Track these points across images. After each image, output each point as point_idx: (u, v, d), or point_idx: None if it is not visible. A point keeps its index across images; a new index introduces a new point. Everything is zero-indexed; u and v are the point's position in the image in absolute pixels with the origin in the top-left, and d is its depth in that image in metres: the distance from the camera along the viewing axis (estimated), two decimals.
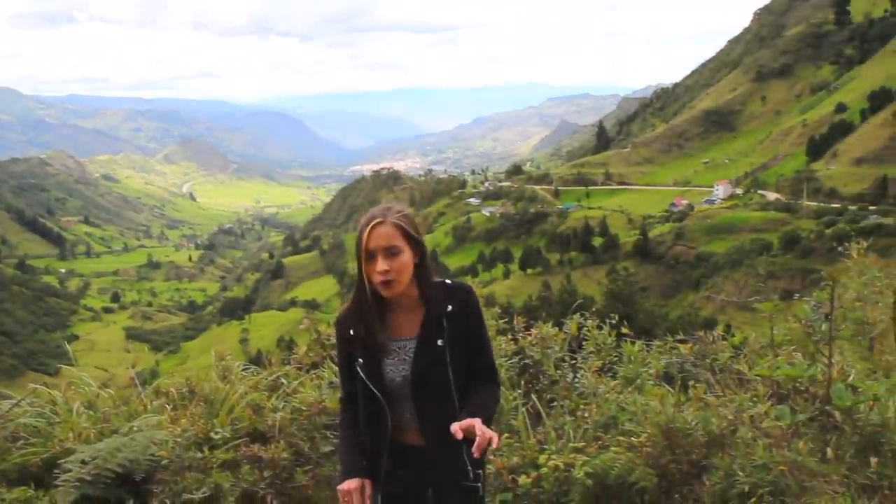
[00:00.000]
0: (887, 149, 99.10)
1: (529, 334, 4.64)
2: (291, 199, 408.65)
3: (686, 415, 3.49)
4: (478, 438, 2.14)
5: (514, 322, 4.76)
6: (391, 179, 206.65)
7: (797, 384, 3.65)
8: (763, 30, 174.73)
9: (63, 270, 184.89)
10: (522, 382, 4.39)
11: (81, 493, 3.31)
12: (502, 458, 3.67)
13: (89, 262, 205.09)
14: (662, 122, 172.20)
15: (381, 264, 2.30)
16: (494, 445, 2.18)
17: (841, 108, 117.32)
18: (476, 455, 2.16)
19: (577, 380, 4.36)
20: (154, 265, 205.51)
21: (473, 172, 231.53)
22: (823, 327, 3.76)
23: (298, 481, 3.79)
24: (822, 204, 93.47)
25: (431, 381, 2.37)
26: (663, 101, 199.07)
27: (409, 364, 2.38)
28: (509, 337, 4.66)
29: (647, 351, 4.55)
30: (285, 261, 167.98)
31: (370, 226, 2.31)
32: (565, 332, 4.63)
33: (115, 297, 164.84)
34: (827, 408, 3.37)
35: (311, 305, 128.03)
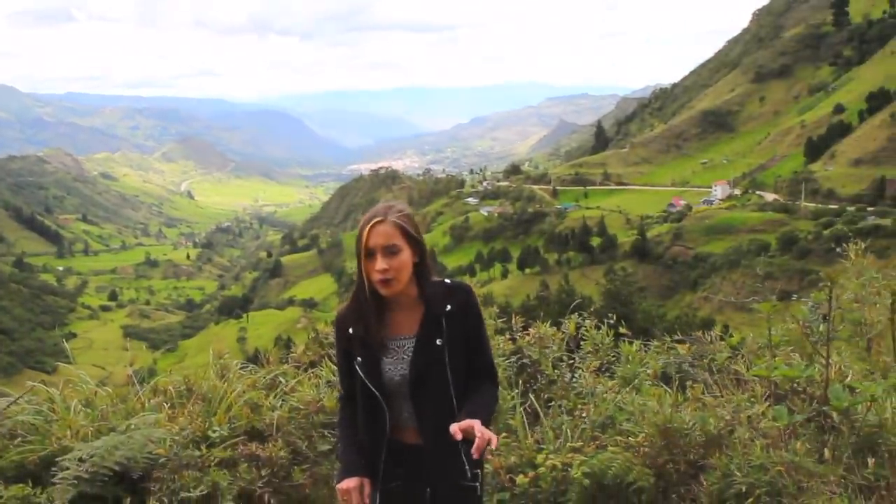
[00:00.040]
0: (885, 150, 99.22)
1: (527, 334, 4.64)
2: (290, 198, 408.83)
3: (684, 415, 3.49)
4: (477, 440, 2.15)
5: (512, 322, 4.76)
6: (389, 179, 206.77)
7: (795, 385, 3.66)
8: (762, 30, 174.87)
9: (61, 268, 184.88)
10: (520, 382, 4.39)
11: (79, 491, 3.30)
12: (500, 458, 3.67)
13: (87, 260, 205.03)
14: (661, 122, 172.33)
15: (381, 263, 2.31)
16: (493, 446, 2.19)
17: (839, 109, 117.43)
18: (475, 456, 2.17)
19: (574, 379, 4.36)
20: (152, 263, 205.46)
21: (472, 172, 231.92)
22: (821, 328, 3.76)
23: (296, 480, 3.79)
24: (820, 205, 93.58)
25: (430, 380, 2.37)
26: (662, 101, 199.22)
27: (407, 363, 2.39)
28: (507, 336, 4.67)
29: (645, 351, 4.55)
30: (283, 259, 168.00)
31: (370, 224, 2.32)
32: (563, 332, 4.63)
33: (113, 296, 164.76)
34: (824, 408, 3.37)
35: (309, 304, 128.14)
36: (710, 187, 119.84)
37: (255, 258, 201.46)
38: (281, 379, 4.58)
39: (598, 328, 4.60)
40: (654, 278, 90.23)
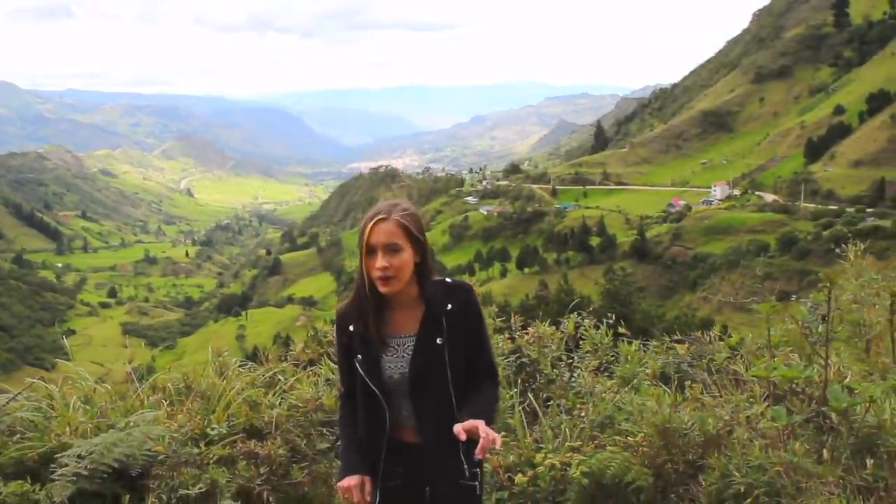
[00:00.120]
0: (885, 151, 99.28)
1: (526, 333, 4.65)
2: (289, 196, 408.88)
3: (682, 415, 3.49)
4: (481, 440, 2.16)
5: (511, 321, 4.76)
6: (389, 177, 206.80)
7: (793, 385, 3.66)
8: (762, 31, 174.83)
9: (60, 265, 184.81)
10: (519, 381, 4.39)
11: (78, 488, 3.30)
12: (499, 457, 3.67)
13: (86, 256, 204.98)
14: (661, 122, 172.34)
15: (381, 260, 2.31)
16: (497, 447, 2.19)
17: (839, 110, 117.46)
18: (480, 456, 2.17)
19: (573, 379, 4.37)
20: (151, 261, 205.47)
21: (471, 171, 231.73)
22: (820, 329, 3.76)
23: (295, 478, 3.79)
24: (820, 206, 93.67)
25: (430, 379, 2.37)
26: (662, 101, 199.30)
27: (407, 361, 2.39)
28: (506, 336, 4.67)
29: (644, 351, 4.55)
30: (282, 257, 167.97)
31: (373, 221, 2.32)
32: (562, 332, 4.64)
33: (112, 293, 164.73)
34: (823, 409, 3.37)
35: (308, 302, 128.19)
36: (710, 188, 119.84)
37: (254, 256, 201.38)
38: (280, 377, 4.58)
39: (597, 328, 4.61)
40: (653, 278, 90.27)
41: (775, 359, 3.70)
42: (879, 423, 3.25)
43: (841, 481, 3.07)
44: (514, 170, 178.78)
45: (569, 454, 3.58)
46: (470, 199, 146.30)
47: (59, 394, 4.25)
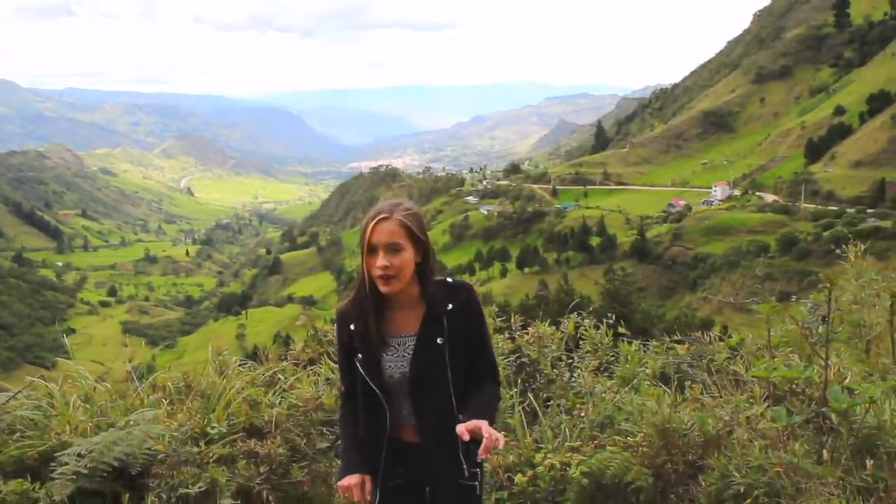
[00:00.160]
0: (885, 152, 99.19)
1: (526, 333, 4.65)
2: (289, 195, 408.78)
3: (682, 415, 3.49)
4: (485, 440, 2.16)
5: (511, 321, 4.76)
6: (389, 177, 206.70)
7: (793, 386, 3.66)
8: (763, 31, 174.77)
9: (60, 264, 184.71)
10: (519, 381, 4.39)
11: (77, 487, 3.30)
12: (498, 457, 3.68)
13: (86, 255, 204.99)
14: (661, 122, 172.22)
15: (382, 260, 2.31)
16: (500, 447, 2.19)
17: (840, 110, 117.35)
18: (483, 456, 2.17)
19: (573, 379, 4.37)
20: (151, 260, 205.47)
21: (471, 171, 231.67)
22: (820, 329, 3.76)
23: (294, 477, 3.79)
24: (820, 206, 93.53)
25: (430, 378, 2.37)
26: (662, 101, 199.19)
27: (408, 361, 2.39)
28: (506, 335, 4.67)
29: (644, 351, 4.55)
30: (282, 257, 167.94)
31: (375, 220, 2.32)
32: (562, 332, 4.64)
33: (112, 291, 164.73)
34: (823, 410, 3.37)
35: (308, 302, 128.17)
36: (710, 188, 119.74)
37: (254, 255, 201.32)
38: (280, 376, 4.58)
39: (597, 328, 4.61)
40: (653, 278, 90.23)
41: (775, 359, 3.70)
42: (879, 423, 3.25)
43: (841, 482, 3.08)
44: (514, 170, 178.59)
45: (568, 454, 3.58)
46: (470, 198, 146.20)
47: (59, 392, 4.25)
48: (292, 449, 3.90)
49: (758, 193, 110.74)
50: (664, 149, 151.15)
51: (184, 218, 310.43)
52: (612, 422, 3.86)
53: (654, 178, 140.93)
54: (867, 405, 3.23)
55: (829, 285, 3.46)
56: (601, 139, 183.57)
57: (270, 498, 3.67)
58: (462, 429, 2.20)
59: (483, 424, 2.19)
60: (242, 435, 3.88)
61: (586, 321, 4.62)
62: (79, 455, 3.35)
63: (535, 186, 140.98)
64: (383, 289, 2.34)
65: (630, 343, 4.53)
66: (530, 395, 4.31)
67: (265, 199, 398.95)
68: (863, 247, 4.21)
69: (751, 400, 3.55)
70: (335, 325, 2.54)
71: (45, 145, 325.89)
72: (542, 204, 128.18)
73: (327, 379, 4.32)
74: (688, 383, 3.95)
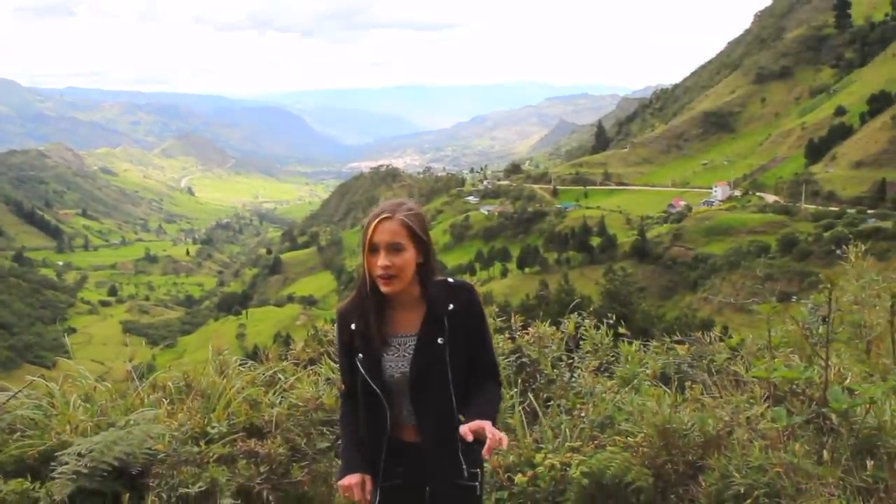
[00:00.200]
0: (886, 152, 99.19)
1: (527, 333, 4.65)
2: (289, 195, 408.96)
3: (682, 415, 3.49)
4: (488, 441, 2.16)
5: (512, 321, 4.76)
6: (390, 176, 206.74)
7: (794, 386, 3.66)
8: (763, 32, 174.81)
9: (60, 263, 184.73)
10: (519, 381, 4.39)
11: (78, 486, 3.30)
12: (499, 457, 3.67)
13: (87, 255, 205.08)
14: (661, 122, 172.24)
15: (383, 259, 2.31)
16: (504, 447, 2.20)
17: (840, 111, 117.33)
18: (486, 457, 2.18)
19: (573, 379, 4.37)
20: (151, 259, 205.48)
21: (472, 171, 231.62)
22: (820, 330, 3.77)
23: (294, 477, 3.79)
24: (821, 207, 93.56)
25: (430, 378, 2.37)
26: (663, 101, 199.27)
27: (408, 361, 2.39)
28: (507, 336, 4.67)
29: (644, 351, 4.55)
30: (283, 256, 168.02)
31: (377, 219, 2.32)
32: (562, 332, 4.64)
33: (113, 291, 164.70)
34: (823, 410, 3.37)
35: (308, 301, 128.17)
36: (711, 188, 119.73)
37: (254, 255, 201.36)
38: (280, 376, 4.58)
39: (598, 328, 4.61)
40: (653, 279, 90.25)
41: (776, 360, 3.70)
42: (880, 424, 3.25)
43: (841, 482, 3.07)
44: (514, 170, 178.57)
45: (569, 454, 3.58)
46: (471, 198, 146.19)
47: (60, 392, 4.25)
48: (292, 449, 3.90)
49: (758, 194, 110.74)
50: (665, 149, 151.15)
51: (184, 217, 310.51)
52: (613, 422, 3.86)
53: (654, 178, 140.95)
54: (867, 406, 3.23)
55: (829, 286, 3.46)
56: (601, 139, 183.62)
57: (270, 498, 3.67)
58: (465, 429, 2.20)
59: (487, 425, 2.20)
60: (242, 435, 3.88)
61: (586, 321, 4.62)
62: (79, 455, 3.35)
63: (535, 186, 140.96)
64: (384, 289, 2.34)
65: (630, 343, 4.53)
66: (530, 395, 4.31)
67: (265, 198, 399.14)
68: (863, 247, 4.21)
69: (751, 400, 3.55)
70: (336, 324, 2.54)
71: (45, 145, 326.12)
72: (542, 204, 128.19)
73: (327, 379, 4.32)
74: (688, 384, 3.95)
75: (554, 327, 4.68)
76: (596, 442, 3.74)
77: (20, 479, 3.42)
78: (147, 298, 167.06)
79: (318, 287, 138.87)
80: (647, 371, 4.30)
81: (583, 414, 3.96)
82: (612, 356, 4.54)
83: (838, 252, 4.38)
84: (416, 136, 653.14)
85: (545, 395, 4.35)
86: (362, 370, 2.41)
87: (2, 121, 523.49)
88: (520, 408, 4.15)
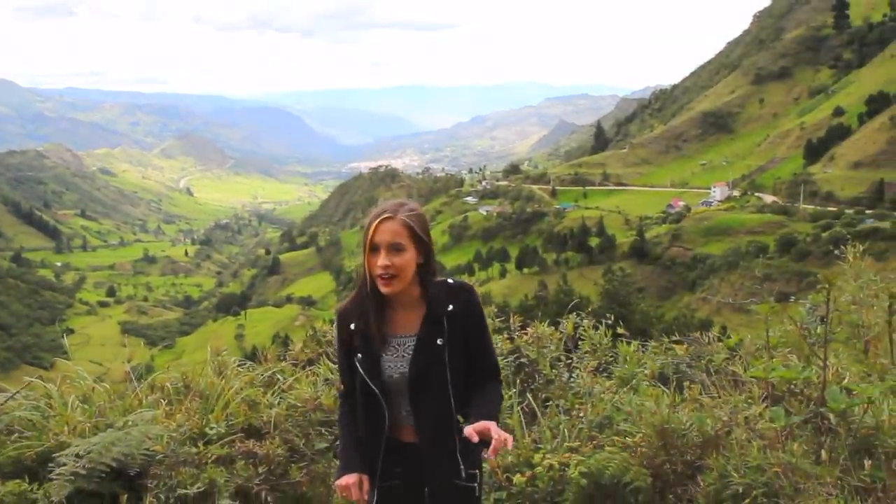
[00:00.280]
0: (884, 153, 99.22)
1: (525, 333, 4.65)
2: (289, 196, 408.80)
3: (681, 415, 3.49)
4: (494, 441, 2.17)
5: (511, 321, 4.76)
6: (389, 177, 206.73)
7: (792, 386, 3.66)
8: (762, 32, 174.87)
9: (59, 264, 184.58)
10: (518, 381, 4.40)
11: (76, 487, 3.30)
12: (497, 457, 3.67)
13: (85, 255, 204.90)
14: (660, 123, 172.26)
15: (383, 259, 2.31)
16: (509, 447, 2.20)
17: (839, 111, 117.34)
18: (492, 457, 2.18)
19: (572, 379, 4.37)
20: (150, 260, 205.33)
21: (471, 171, 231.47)
22: (819, 330, 3.77)
23: (293, 477, 3.79)
24: (819, 207, 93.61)
25: (429, 379, 2.37)
26: (662, 102, 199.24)
27: (407, 361, 2.39)
28: (505, 336, 4.67)
29: (643, 351, 4.55)
30: (282, 257, 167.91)
31: (378, 219, 2.32)
32: (561, 332, 4.64)
33: (111, 292, 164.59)
34: (821, 410, 3.37)
35: (307, 302, 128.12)
36: (709, 188, 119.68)
37: (253, 255, 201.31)
38: (278, 376, 4.58)
39: (596, 328, 4.61)
40: (652, 279, 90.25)
41: (774, 360, 3.70)
42: (877, 424, 3.25)
43: (839, 482, 3.07)
44: (513, 170, 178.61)
45: (567, 454, 3.58)
46: (469, 199, 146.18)
47: (58, 393, 4.24)
48: (291, 449, 3.90)
49: (757, 194, 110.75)
50: (663, 149, 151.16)
51: (183, 218, 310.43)
52: (611, 422, 3.86)
53: (653, 178, 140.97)
54: (865, 405, 3.24)
55: (827, 286, 3.46)
56: (601, 140, 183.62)
57: (269, 498, 3.67)
58: (471, 430, 2.20)
59: (492, 426, 2.21)
60: (241, 435, 3.87)
61: (585, 322, 4.62)
62: (77, 456, 3.35)
63: (534, 187, 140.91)
64: (384, 289, 2.34)
65: (629, 343, 4.53)
66: (529, 396, 4.31)
67: (264, 199, 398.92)
68: (861, 248, 4.21)
69: (749, 400, 3.55)
70: (335, 324, 2.55)
71: (44, 145, 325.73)
72: (541, 204, 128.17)
73: (326, 379, 4.32)
74: (686, 384, 3.95)
75: (552, 327, 4.68)
76: (594, 442, 3.74)
77: (18, 481, 3.42)
78: (145, 299, 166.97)
79: (317, 288, 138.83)
80: (646, 371, 4.30)
81: (581, 414, 3.96)
82: (611, 356, 4.54)
83: (836, 252, 4.38)
84: (416, 137, 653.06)
85: (544, 396, 4.35)
86: (361, 370, 2.41)
87: (1, 121, 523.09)
88: (518, 408, 4.15)
